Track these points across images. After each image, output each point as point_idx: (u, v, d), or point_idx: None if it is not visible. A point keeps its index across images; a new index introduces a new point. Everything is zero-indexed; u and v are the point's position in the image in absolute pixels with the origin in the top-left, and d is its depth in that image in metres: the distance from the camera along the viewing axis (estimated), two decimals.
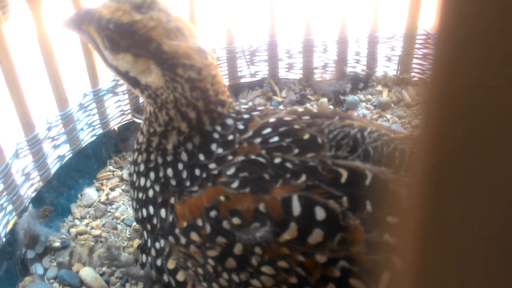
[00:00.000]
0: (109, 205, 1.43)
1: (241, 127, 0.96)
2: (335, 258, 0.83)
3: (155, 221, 0.98)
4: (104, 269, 1.28)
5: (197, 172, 0.93)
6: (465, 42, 0.25)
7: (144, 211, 1.01)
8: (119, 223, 1.38)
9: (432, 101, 0.27)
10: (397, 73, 1.73)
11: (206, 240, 0.90)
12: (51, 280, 1.26)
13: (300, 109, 1.04)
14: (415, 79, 1.69)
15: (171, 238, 0.95)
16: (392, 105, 1.67)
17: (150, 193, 0.99)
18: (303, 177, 0.86)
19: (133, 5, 0.88)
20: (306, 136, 0.93)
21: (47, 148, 1.39)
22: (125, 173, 1.48)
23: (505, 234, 0.28)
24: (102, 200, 1.43)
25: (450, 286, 0.31)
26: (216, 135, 0.94)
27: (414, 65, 1.71)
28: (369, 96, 1.70)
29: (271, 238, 0.85)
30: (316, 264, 0.84)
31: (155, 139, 0.97)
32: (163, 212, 0.97)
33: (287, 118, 0.97)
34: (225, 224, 0.88)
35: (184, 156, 0.95)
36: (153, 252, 1.00)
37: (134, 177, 1.03)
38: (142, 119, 1.52)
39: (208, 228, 0.89)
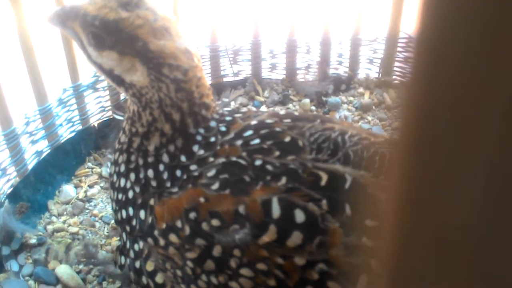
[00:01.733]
0: (87, 202, 1.41)
1: (223, 129, 0.95)
2: (313, 261, 0.83)
3: (134, 222, 0.97)
4: (81, 267, 1.26)
5: (178, 173, 0.93)
6: (444, 45, 0.26)
7: (124, 213, 1.00)
8: (97, 221, 1.37)
9: (410, 103, 0.27)
10: (379, 75, 1.74)
11: (185, 242, 0.89)
12: (27, 277, 1.24)
13: (282, 111, 1.04)
14: (397, 82, 1.71)
15: (150, 240, 0.94)
16: (374, 107, 1.68)
17: (130, 194, 0.98)
18: (284, 180, 0.86)
19: (120, 3, 0.88)
20: (287, 139, 0.93)
21: (25, 143, 1.37)
22: (104, 170, 1.46)
23: (478, 236, 0.28)
24: (80, 197, 1.41)
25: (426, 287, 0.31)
26: (198, 137, 0.94)
27: (395, 68, 1.73)
28: (351, 98, 1.70)
29: (250, 240, 0.84)
30: (295, 266, 0.84)
31: (136, 140, 0.96)
32: (142, 214, 0.96)
33: (269, 121, 0.97)
34: (205, 226, 0.87)
35: (165, 158, 0.94)
36: (131, 254, 0.99)
37: (115, 177, 1.02)
38: (123, 116, 1.51)
39: (187, 230, 0.88)
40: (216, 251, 0.87)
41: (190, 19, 1.67)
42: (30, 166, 1.39)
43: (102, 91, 1.53)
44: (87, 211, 1.39)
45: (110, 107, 1.56)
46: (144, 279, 0.98)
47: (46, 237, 1.31)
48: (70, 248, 1.29)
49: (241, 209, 0.85)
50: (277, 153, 0.90)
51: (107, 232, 1.34)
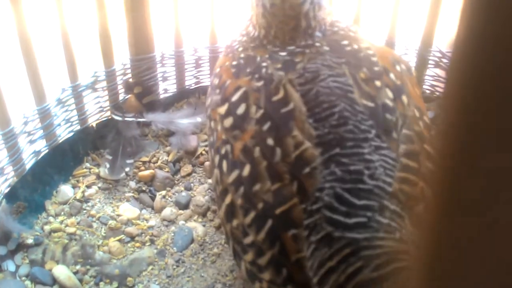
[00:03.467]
0: (85, 202, 1.40)
1: None
2: None
3: None
4: (77, 267, 1.26)
5: None
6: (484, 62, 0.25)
7: None
8: (95, 221, 1.36)
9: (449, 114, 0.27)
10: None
11: None
12: (23, 278, 1.24)
13: None
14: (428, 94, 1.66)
15: None
16: None
17: None
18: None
19: None
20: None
21: (23, 143, 1.36)
22: (102, 171, 1.46)
23: None
24: (77, 197, 1.41)
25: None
26: None
27: (426, 81, 1.69)
28: None
29: None
30: None
31: None
32: None
33: None
34: None
35: None
36: None
37: None
38: (121, 116, 1.51)
39: None
40: None
41: (190, 20, 1.66)
42: (27, 166, 1.38)
43: (100, 91, 1.53)
44: (85, 211, 1.39)
45: (108, 108, 1.56)
46: None
47: (43, 237, 1.31)
48: (67, 249, 1.29)
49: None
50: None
51: (105, 233, 1.34)
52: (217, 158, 0.94)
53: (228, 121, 0.92)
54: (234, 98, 0.93)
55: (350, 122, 0.85)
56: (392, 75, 0.94)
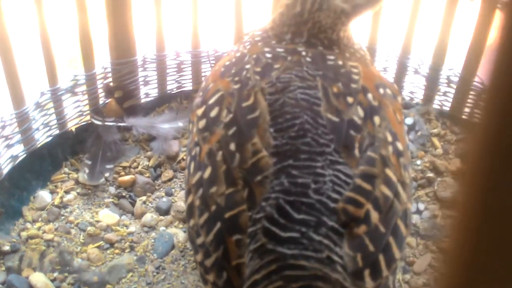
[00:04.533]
0: (63, 208, 1.38)
1: None
2: None
3: None
4: (55, 274, 1.24)
5: None
6: None
7: None
8: (73, 228, 1.34)
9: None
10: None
11: None
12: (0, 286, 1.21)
13: None
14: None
15: None
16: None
17: None
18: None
19: None
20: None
21: (0, 147, 1.34)
22: (81, 176, 1.44)
23: None
24: (55, 203, 1.38)
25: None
26: None
27: (405, 88, 1.69)
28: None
29: None
30: None
31: None
32: None
33: None
34: None
35: None
36: None
37: None
38: (101, 120, 1.49)
39: None
40: None
41: (172, 25, 1.65)
42: (4, 171, 1.35)
43: (80, 95, 1.51)
44: (63, 217, 1.36)
45: (88, 112, 1.54)
46: None
47: (20, 244, 1.28)
48: (45, 256, 1.26)
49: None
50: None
51: (83, 239, 1.32)
52: (188, 159, 0.96)
53: (202, 123, 0.94)
54: (211, 101, 0.95)
55: (309, 135, 0.86)
56: (370, 95, 0.94)
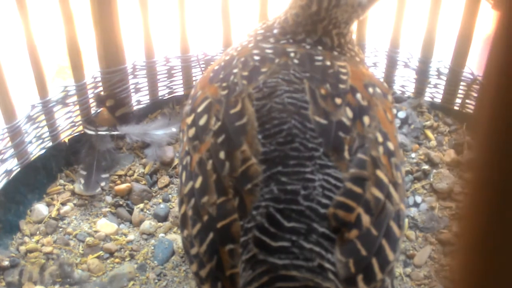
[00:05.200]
0: (61, 220, 1.37)
1: None
2: None
3: None
4: (56, 287, 1.23)
5: None
6: None
7: None
8: (72, 239, 1.33)
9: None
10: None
11: None
12: None
13: None
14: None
15: None
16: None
17: None
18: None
19: None
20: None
21: None
22: (76, 187, 1.43)
23: None
24: (53, 215, 1.37)
25: None
26: None
27: (396, 82, 1.70)
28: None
29: None
30: None
31: None
32: None
33: None
34: None
35: None
36: None
37: None
38: (94, 130, 1.49)
39: None
40: None
41: (161, 30, 1.65)
42: (0, 186, 1.34)
43: (72, 106, 1.50)
44: (61, 229, 1.35)
45: (80, 122, 1.53)
46: None
47: (19, 258, 1.27)
48: (45, 269, 1.26)
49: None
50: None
51: (82, 250, 1.31)
52: (180, 169, 0.96)
53: (191, 132, 0.93)
54: (200, 108, 0.94)
55: (297, 140, 0.85)
56: (358, 95, 0.93)
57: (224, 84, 0.95)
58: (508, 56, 0.26)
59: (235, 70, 0.96)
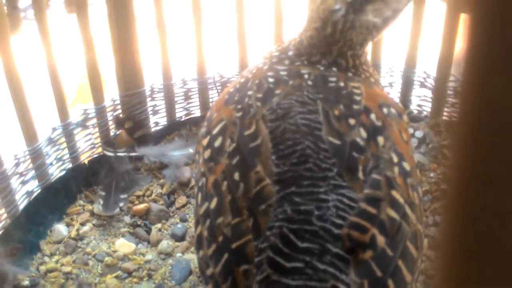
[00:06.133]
0: (80, 240, 1.39)
1: None
2: None
3: None
4: None
5: None
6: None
7: None
8: (90, 259, 1.35)
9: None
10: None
11: None
12: None
13: None
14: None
15: None
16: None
17: None
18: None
19: None
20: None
21: (15, 184, 1.35)
22: (95, 207, 1.45)
23: None
24: (72, 235, 1.39)
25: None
26: None
27: (413, 102, 1.70)
28: None
29: None
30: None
31: None
32: None
33: None
34: None
35: None
36: None
37: None
38: (113, 152, 1.51)
39: None
40: None
41: (178, 53, 1.68)
42: (21, 207, 1.37)
43: (91, 128, 1.53)
44: (80, 249, 1.37)
45: (100, 144, 1.56)
46: None
47: (39, 278, 1.29)
48: None
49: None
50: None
51: (101, 270, 1.32)
52: (195, 190, 0.97)
53: (207, 153, 0.94)
54: (215, 130, 0.95)
55: (311, 160, 0.85)
56: (373, 116, 0.93)
57: (239, 106, 0.96)
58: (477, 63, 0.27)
59: (249, 92, 0.98)
